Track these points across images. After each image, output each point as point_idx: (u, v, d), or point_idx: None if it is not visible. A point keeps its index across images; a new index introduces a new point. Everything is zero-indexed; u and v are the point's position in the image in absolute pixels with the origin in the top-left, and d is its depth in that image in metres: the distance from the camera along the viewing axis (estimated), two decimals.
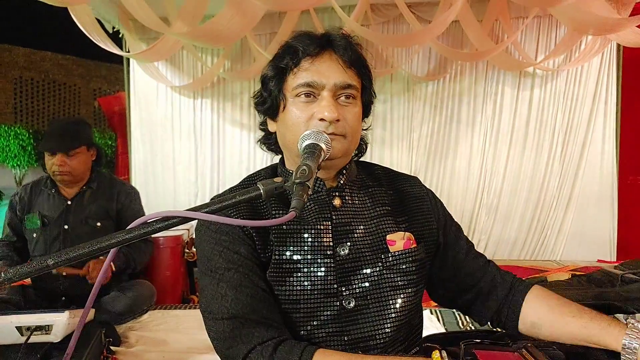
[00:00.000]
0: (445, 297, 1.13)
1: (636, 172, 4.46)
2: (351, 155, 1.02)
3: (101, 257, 2.30)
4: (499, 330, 1.10)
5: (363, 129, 1.05)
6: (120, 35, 4.59)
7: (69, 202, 2.39)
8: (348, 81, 0.93)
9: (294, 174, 0.78)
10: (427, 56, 4.61)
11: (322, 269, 0.94)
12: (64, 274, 2.29)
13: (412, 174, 1.17)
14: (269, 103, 0.98)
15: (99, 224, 2.40)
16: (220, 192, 1.02)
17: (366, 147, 1.09)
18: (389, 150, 4.72)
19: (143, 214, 2.57)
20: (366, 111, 1.03)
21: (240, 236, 0.93)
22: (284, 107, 0.96)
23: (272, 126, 1.02)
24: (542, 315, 0.99)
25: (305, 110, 0.92)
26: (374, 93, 1.04)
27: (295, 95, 0.94)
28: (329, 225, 0.96)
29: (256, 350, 0.84)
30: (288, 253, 0.94)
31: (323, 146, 0.87)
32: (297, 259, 0.94)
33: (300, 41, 0.95)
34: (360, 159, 1.13)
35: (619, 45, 4.31)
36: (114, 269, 2.35)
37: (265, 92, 0.99)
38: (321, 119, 0.91)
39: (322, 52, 0.94)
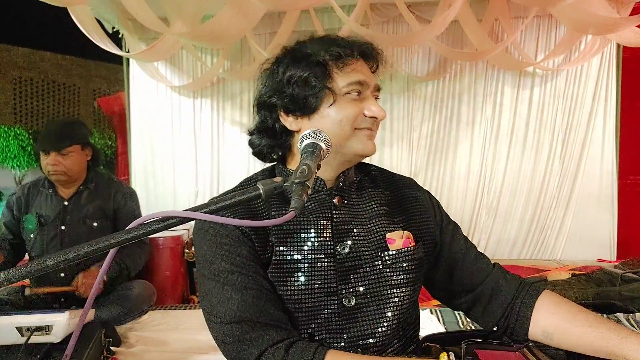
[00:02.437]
0: (443, 296, 1.13)
1: (636, 171, 4.46)
2: (350, 160, 1.02)
3: (92, 268, 2.29)
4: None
5: None
6: (119, 35, 4.59)
7: (66, 203, 2.39)
8: (379, 83, 1.00)
9: (293, 173, 0.78)
10: (427, 56, 4.61)
11: (323, 268, 0.94)
12: (62, 275, 2.28)
13: (412, 174, 1.18)
14: (305, 100, 0.94)
15: (96, 224, 2.39)
16: (219, 193, 1.02)
17: None
18: (388, 150, 4.72)
19: (139, 215, 2.58)
20: None
21: (240, 238, 0.93)
22: (333, 103, 0.94)
23: (295, 124, 0.98)
24: (555, 324, 0.97)
25: (356, 107, 0.95)
26: None
27: (346, 92, 0.95)
28: (329, 224, 0.97)
29: (267, 352, 0.84)
30: (288, 253, 0.94)
31: (323, 145, 0.87)
32: (298, 259, 0.94)
33: (336, 40, 0.98)
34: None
35: (618, 45, 4.31)
36: (105, 279, 2.31)
37: (299, 88, 0.94)
38: (371, 117, 0.96)
39: (359, 57, 0.98)
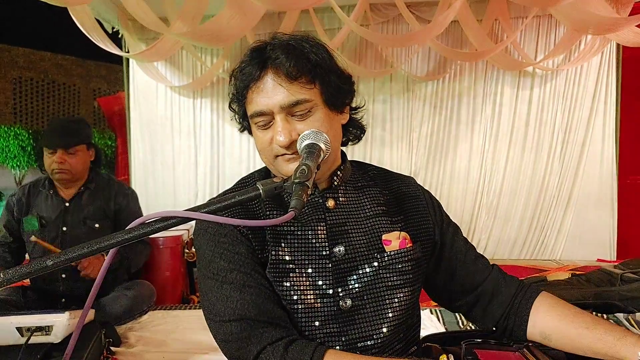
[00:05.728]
0: (443, 298, 1.12)
1: (636, 171, 4.46)
2: (332, 160, 0.97)
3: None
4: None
5: (352, 114, 1.03)
6: (119, 36, 4.59)
7: (67, 204, 2.38)
8: (293, 99, 0.88)
9: (293, 173, 0.78)
10: (427, 56, 4.61)
11: (318, 269, 0.94)
12: (63, 276, 2.28)
13: (412, 174, 1.17)
14: (243, 127, 1.02)
15: (97, 225, 2.39)
16: (218, 194, 1.02)
17: (363, 131, 1.05)
18: (388, 150, 4.72)
19: (141, 215, 2.57)
20: (337, 105, 0.96)
21: (238, 237, 0.93)
22: (251, 131, 0.99)
23: None
24: (552, 325, 0.97)
25: (267, 135, 0.93)
26: (345, 82, 0.97)
27: (254, 123, 0.95)
28: (323, 226, 0.96)
29: (267, 350, 0.84)
30: (283, 254, 0.93)
31: (322, 146, 0.87)
32: (292, 260, 0.94)
33: (241, 69, 0.93)
34: (357, 160, 1.13)
35: (618, 45, 4.31)
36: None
37: (236, 118, 1.01)
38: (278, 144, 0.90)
39: (263, 74, 0.90)
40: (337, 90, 0.94)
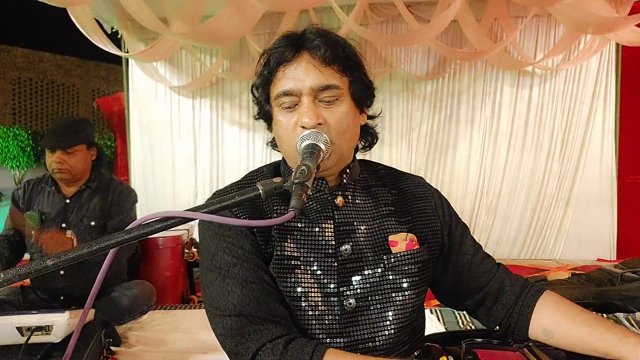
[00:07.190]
0: (450, 299, 1.12)
1: (635, 170, 4.47)
2: (346, 157, 0.97)
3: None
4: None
5: (368, 118, 1.03)
6: (119, 36, 4.59)
7: (68, 201, 2.40)
8: (325, 82, 0.89)
9: (293, 174, 0.78)
10: (426, 55, 4.61)
11: (323, 267, 0.93)
12: (62, 272, 2.28)
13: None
14: (262, 112, 1.00)
15: (93, 223, 2.39)
16: (225, 186, 1.02)
17: (376, 139, 1.06)
18: (388, 149, 4.72)
19: (133, 215, 2.58)
20: (361, 103, 0.97)
21: (243, 231, 0.92)
22: (273, 116, 0.97)
23: (271, 130, 1.02)
24: (554, 323, 0.97)
25: (290, 118, 0.91)
26: (370, 82, 0.99)
27: (278, 105, 0.93)
28: (331, 224, 0.95)
29: (266, 347, 0.83)
30: (289, 250, 0.93)
31: (322, 146, 0.87)
32: (298, 257, 0.93)
33: (275, 49, 0.93)
34: (365, 159, 1.12)
35: (617, 44, 4.32)
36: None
37: (257, 102, 1.01)
38: (303, 126, 0.89)
39: (297, 56, 0.91)
40: (364, 86, 0.97)
